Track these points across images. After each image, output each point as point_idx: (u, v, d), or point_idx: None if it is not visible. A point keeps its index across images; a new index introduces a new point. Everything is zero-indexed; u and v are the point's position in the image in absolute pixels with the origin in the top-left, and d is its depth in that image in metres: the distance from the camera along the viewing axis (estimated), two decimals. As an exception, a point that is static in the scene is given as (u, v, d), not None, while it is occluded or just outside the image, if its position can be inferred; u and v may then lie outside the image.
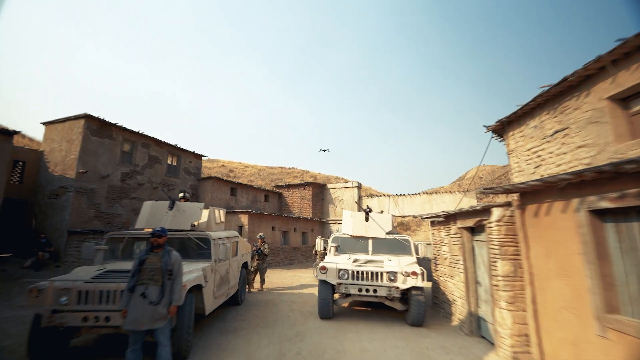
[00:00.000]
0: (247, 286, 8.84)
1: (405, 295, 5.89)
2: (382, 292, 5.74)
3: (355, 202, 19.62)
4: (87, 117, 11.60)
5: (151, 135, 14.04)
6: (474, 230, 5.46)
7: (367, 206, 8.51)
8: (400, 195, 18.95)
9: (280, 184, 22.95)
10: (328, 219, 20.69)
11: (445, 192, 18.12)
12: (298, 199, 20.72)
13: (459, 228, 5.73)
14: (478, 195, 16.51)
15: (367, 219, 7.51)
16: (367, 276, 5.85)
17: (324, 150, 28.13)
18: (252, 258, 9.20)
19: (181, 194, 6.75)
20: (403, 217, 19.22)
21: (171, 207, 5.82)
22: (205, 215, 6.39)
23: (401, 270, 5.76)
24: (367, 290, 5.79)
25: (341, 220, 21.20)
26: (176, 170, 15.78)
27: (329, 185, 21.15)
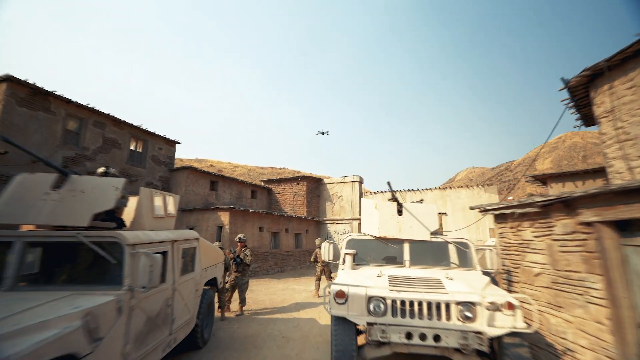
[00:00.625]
0: (219, 310, 6.17)
1: (491, 344, 3.31)
2: (450, 341, 3.14)
3: (394, 193, 17.16)
4: (11, 81, 8.73)
5: (107, 112, 11.18)
6: (626, 228, 2.94)
7: (392, 194, 6.00)
8: (409, 190, 16.50)
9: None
10: (325, 218, 18.07)
11: (461, 186, 15.74)
12: (290, 195, 18.05)
13: (588, 223, 3.19)
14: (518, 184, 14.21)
15: (400, 213, 4.94)
16: (420, 310, 3.27)
17: (323, 133, 25.14)
18: (228, 269, 6.53)
19: (101, 169, 4.06)
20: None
21: (58, 185, 3.12)
22: (131, 203, 3.71)
23: (483, 300, 3.19)
24: (423, 337, 3.19)
25: (340, 220, 18.60)
26: (141, 157, 12.92)
27: (326, 180, 18.56)
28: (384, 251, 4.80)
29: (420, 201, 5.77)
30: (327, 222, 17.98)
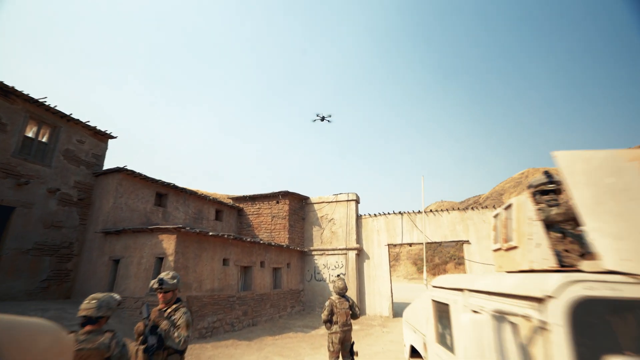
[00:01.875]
0: None
1: None
2: None
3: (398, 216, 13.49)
4: None
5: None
6: None
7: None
8: (419, 212, 13.12)
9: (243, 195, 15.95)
10: (312, 247, 14.06)
11: (485, 207, 12.64)
12: (268, 217, 14.01)
13: None
14: None
15: None
16: None
17: (323, 119, 20.61)
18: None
19: None
20: (426, 243, 13.19)
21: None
22: None
23: None
24: None
25: (332, 250, 14.05)
26: (46, 150, 8.58)
27: (313, 199, 14.79)
28: None
29: None
30: (314, 252, 13.96)
